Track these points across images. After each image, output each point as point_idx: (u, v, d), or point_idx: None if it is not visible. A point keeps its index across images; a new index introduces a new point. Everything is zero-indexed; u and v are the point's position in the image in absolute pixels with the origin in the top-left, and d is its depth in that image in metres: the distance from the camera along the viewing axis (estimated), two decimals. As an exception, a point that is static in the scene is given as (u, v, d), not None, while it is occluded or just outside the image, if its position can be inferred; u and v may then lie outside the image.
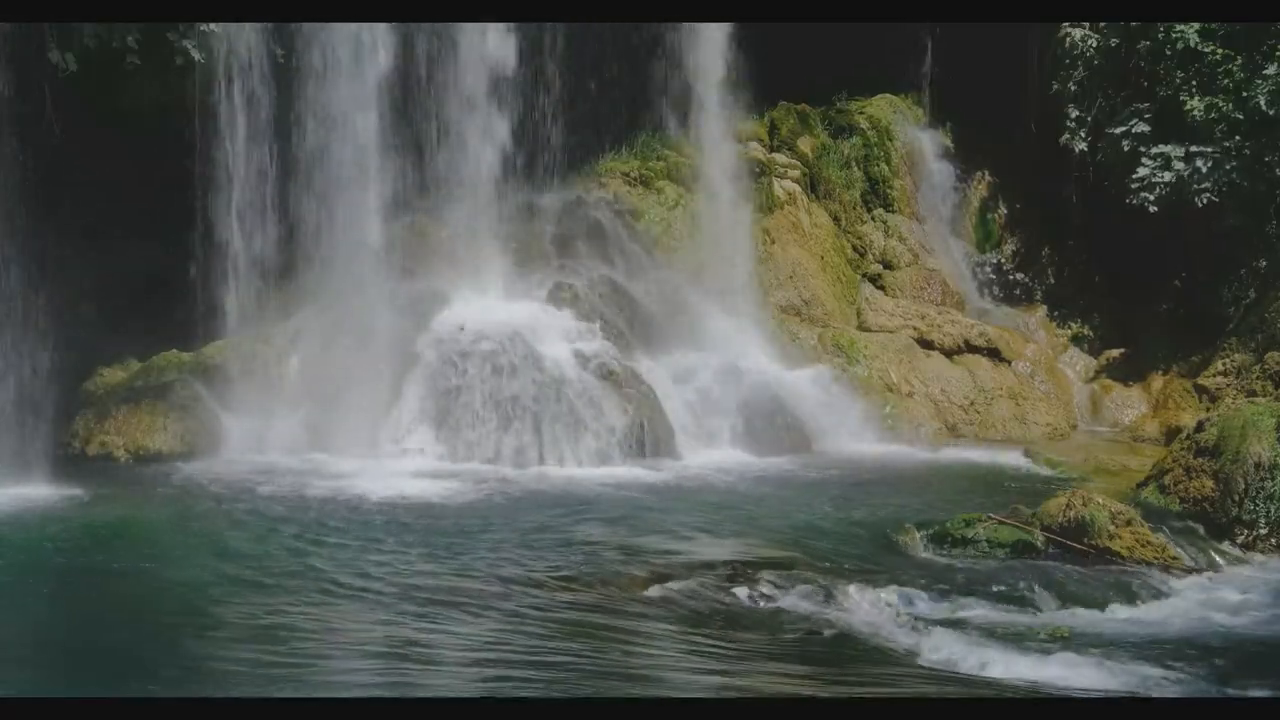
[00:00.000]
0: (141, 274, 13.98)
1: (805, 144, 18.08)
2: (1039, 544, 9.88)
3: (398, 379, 13.62)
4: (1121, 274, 17.64)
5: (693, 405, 14.24)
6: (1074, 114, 17.32)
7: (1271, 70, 15.53)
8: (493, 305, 14.60)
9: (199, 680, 7.04)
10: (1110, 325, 17.72)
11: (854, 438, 14.70)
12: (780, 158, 17.71)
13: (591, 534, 10.38)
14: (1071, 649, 7.75)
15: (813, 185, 17.96)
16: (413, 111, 14.70)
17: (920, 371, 16.16)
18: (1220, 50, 16.02)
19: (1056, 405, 16.48)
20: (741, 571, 9.15)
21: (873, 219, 18.23)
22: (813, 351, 16.06)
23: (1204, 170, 15.73)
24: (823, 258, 17.38)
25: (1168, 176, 15.97)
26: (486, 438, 13.28)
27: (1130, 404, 16.69)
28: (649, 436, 13.55)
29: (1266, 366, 14.79)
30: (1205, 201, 15.82)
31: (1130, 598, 8.98)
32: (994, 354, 16.66)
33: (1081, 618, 8.58)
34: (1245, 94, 15.65)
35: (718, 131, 16.84)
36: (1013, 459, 14.18)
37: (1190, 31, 16.13)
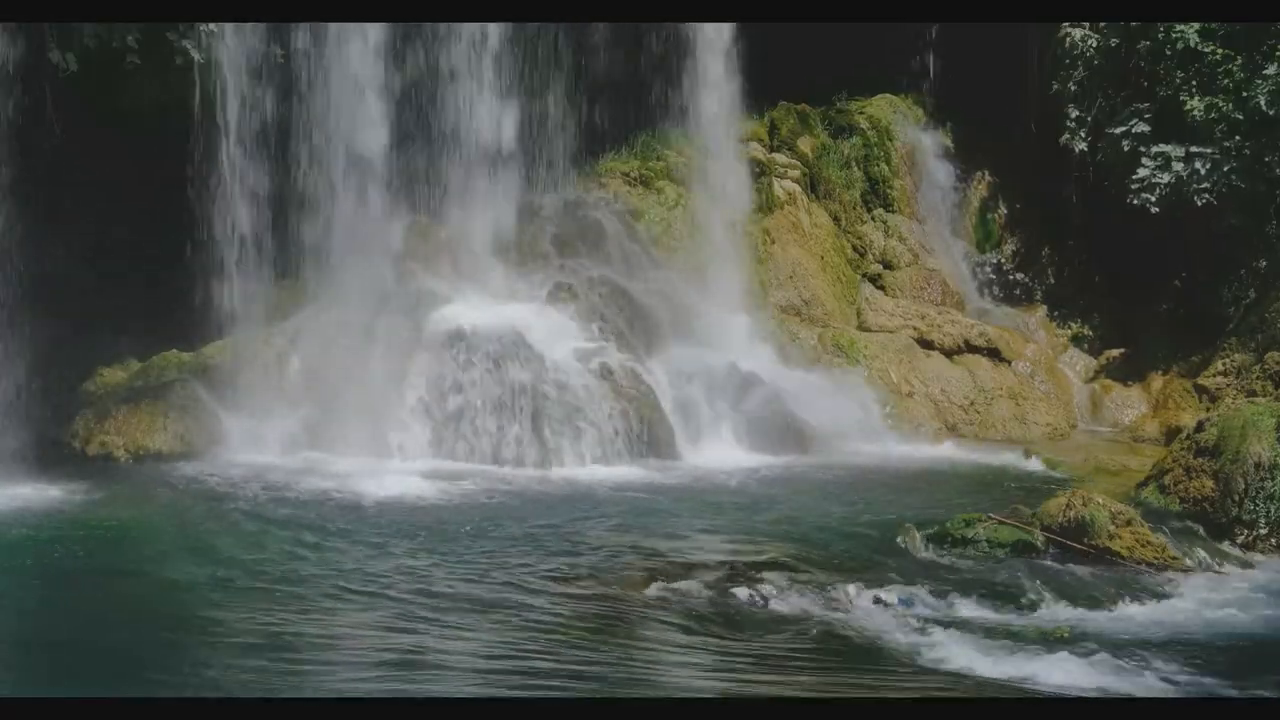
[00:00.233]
0: (141, 274, 13.98)
1: (805, 144, 18.08)
2: (1039, 544, 9.87)
3: (398, 379, 13.61)
4: (1121, 274, 17.63)
5: (693, 405, 14.24)
6: (1074, 114, 17.32)
7: (1271, 70, 15.53)
8: (493, 305, 14.61)
9: (199, 680, 7.04)
10: (1110, 325, 17.71)
11: (854, 438, 14.68)
12: (780, 158, 17.71)
13: (591, 534, 10.38)
14: (1071, 649, 7.75)
15: (813, 185, 17.96)
16: (413, 111, 14.70)
17: (920, 371, 16.16)
18: (1220, 50, 16.01)
19: (1056, 405, 16.48)
20: (741, 571, 9.15)
21: (873, 219, 18.22)
22: (813, 351, 16.06)
23: (1204, 171, 15.73)
24: (823, 258, 17.38)
25: (1167, 177, 15.97)
26: (486, 438, 13.28)
27: (1130, 404, 16.69)
28: (649, 436, 13.55)
29: (1266, 366, 14.79)
30: (1205, 202, 15.82)
31: (1130, 598, 8.97)
32: (994, 354, 16.66)
33: (1081, 618, 8.58)
34: (1245, 94, 15.65)
35: (717, 131, 16.84)
36: (1013, 459, 14.17)
37: (1190, 31, 16.13)
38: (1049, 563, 9.63)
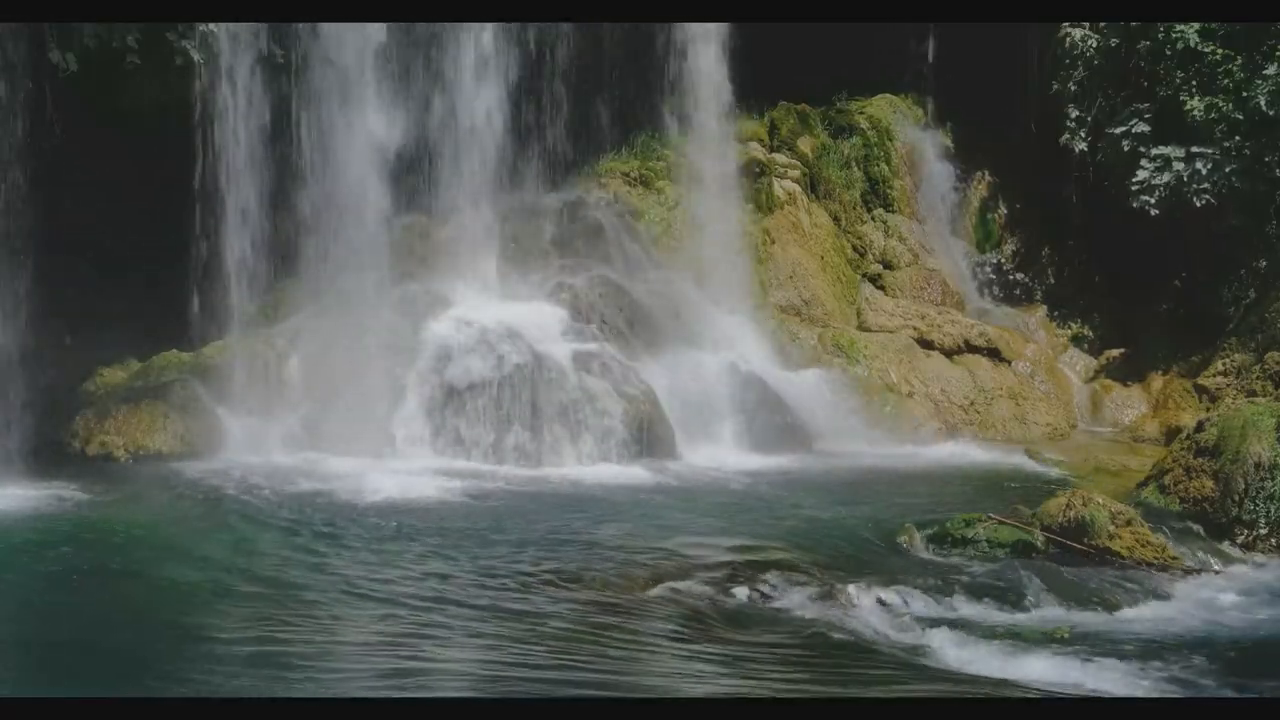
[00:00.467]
0: (141, 274, 13.98)
1: (805, 144, 18.08)
2: (1039, 544, 9.88)
3: (398, 379, 13.62)
4: (1121, 274, 17.64)
5: (693, 405, 14.24)
6: (1074, 114, 17.32)
7: (1271, 70, 15.54)
8: (492, 305, 14.61)
9: (199, 680, 7.03)
10: (1110, 325, 17.72)
11: (854, 438, 14.69)
12: (780, 158, 17.71)
13: (591, 534, 10.38)
14: (1071, 649, 7.75)
15: (813, 185, 17.96)
16: (413, 111, 14.69)
17: (920, 371, 16.16)
18: (1220, 50, 16.02)
19: (1056, 405, 16.48)
20: (741, 571, 9.15)
21: (873, 219, 18.23)
22: (813, 351, 16.06)
23: (1204, 171, 15.74)
24: (823, 258, 17.38)
25: (1167, 178, 15.97)
26: (486, 437, 13.29)
27: (1130, 404, 16.69)
28: (649, 436, 13.55)
29: (1266, 366, 14.80)
30: (1205, 203, 15.82)
31: (1130, 598, 8.97)
32: (994, 354, 16.66)
33: (1081, 618, 8.58)
34: (1245, 94, 15.66)
35: (718, 131, 16.83)
36: (1013, 459, 14.18)
37: (1190, 31, 16.13)
38: (1049, 563, 9.62)
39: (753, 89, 16.86)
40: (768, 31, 16.37)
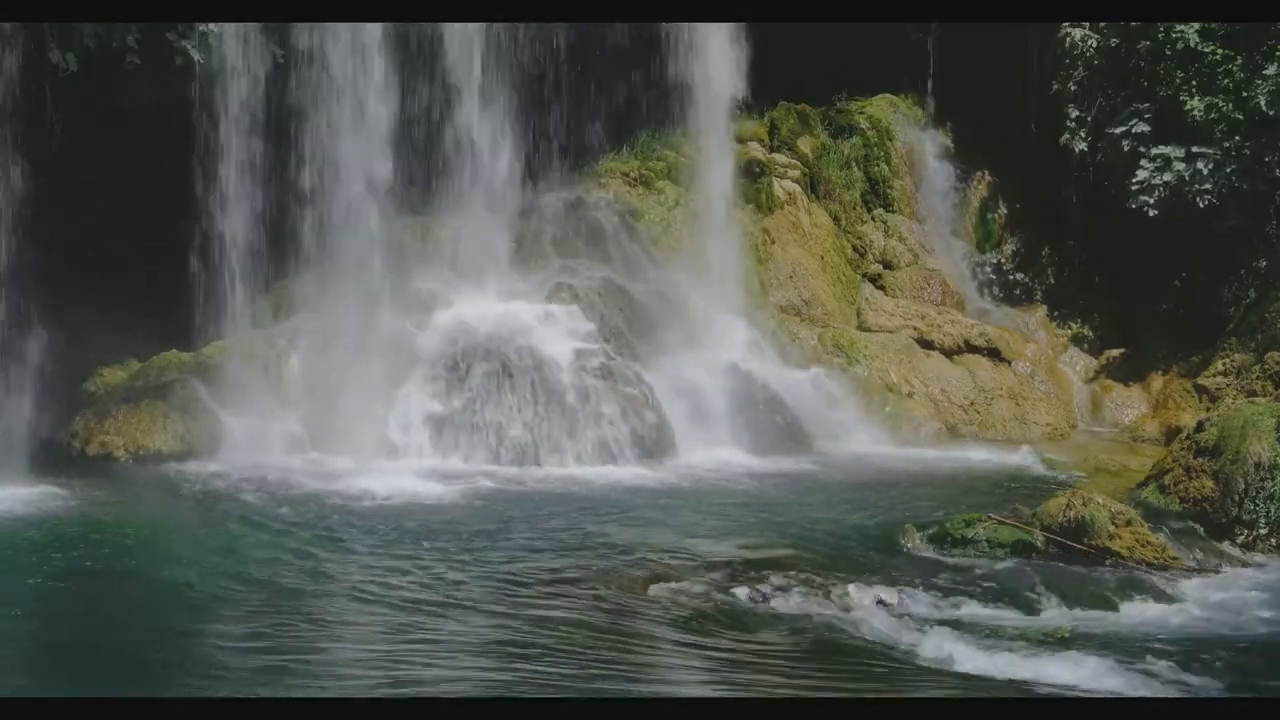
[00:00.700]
0: (141, 274, 13.98)
1: (805, 144, 18.08)
2: (1039, 544, 9.87)
3: (398, 379, 13.62)
4: (1121, 274, 17.64)
5: (692, 405, 14.24)
6: (1074, 114, 17.32)
7: (1271, 70, 15.53)
8: (492, 305, 14.61)
9: (199, 680, 7.03)
10: (1110, 325, 17.72)
11: (854, 438, 14.69)
12: (780, 158, 17.71)
13: (591, 534, 10.38)
14: (1071, 649, 7.75)
15: (813, 185, 17.96)
16: (412, 111, 14.69)
17: (920, 371, 16.16)
18: (1220, 50, 16.02)
19: (1056, 405, 16.48)
20: (741, 571, 9.14)
21: (873, 219, 18.23)
22: (813, 351, 16.06)
23: (1204, 171, 15.73)
24: (823, 258, 17.38)
25: (1167, 178, 15.97)
26: (486, 438, 13.28)
27: (1130, 404, 16.69)
28: (649, 436, 13.55)
29: (1266, 366, 14.80)
30: (1205, 203, 15.82)
31: (1130, 598, 8.97)
32: (994, 354, 16.66)
33: (1081, 618, 8.58)
34: (1245, 94, 15.66)
35: (718, 131, 16.83)
36: (1013, 459, 14.18)
37: (1190, 31, 16.13)
38: (1049, 563, 9.62)
39: (753, 89, 16.85)
40: (768, 31, 16.36)
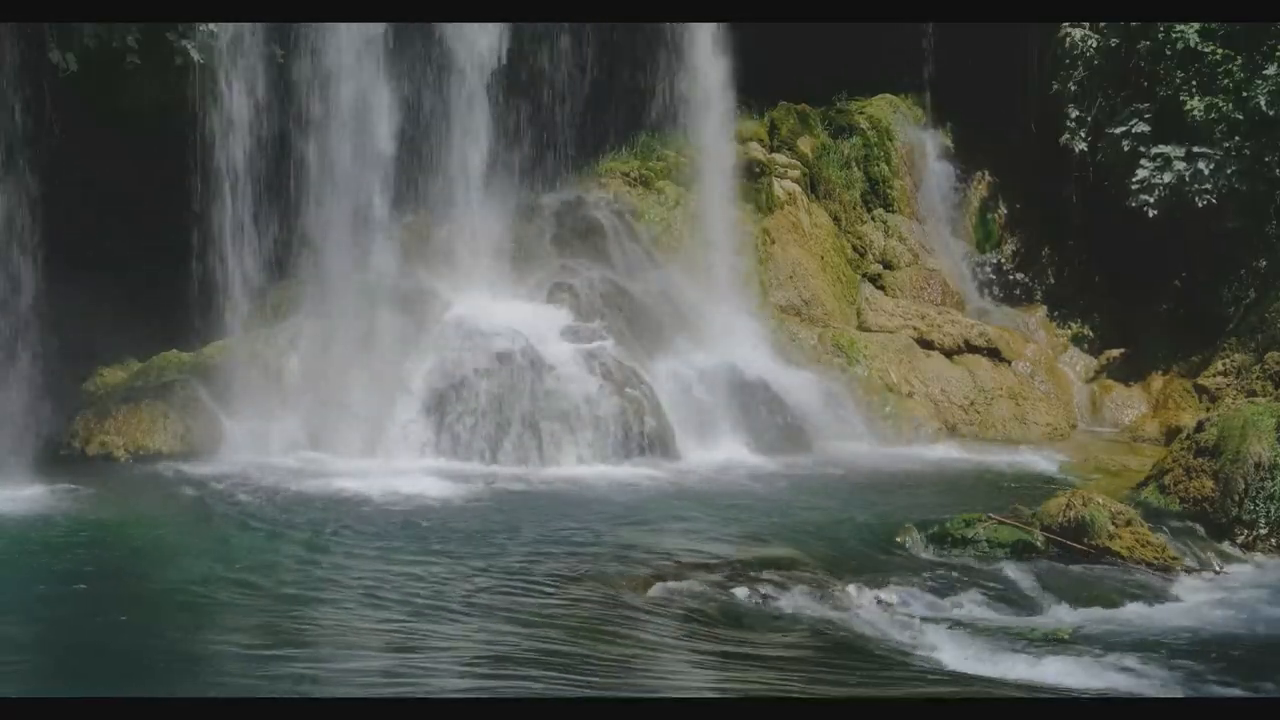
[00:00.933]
0: (142, 274, 13.98)
1: (805, 144, 18.07)
2: (1039, 544, 9.88)
3: (397, 379, 13.61)
4: (1121, 274, 17.63)
5: (693, 405, 14.24)
6: (1074, 114, 17.32)
7: (1271, 70, 15.53)
8: (493, 305, 14.61)
9: (199, 680, 7.04)
10: (1110, 325, 17.71)
11: (854, 438, 14.69)
12: (780, 158, 17.70)
13: (591, 534, 10.38)
14: (1071, 649, 7.76)
15: (813, 185, 17.95)
16: (413, 111, 14.69)
17: (920, 371, 16.16)
18: (1220, 50, 16.01)
19: (1056, 405, 16.48)
20: (741, 571, 9.14)
21: (873, 219, 18.22)
22: (813, 351, 16.05)
23: (1205, 172, 15.73)
24: (823, 258, 17.38)
25: (1167, 178, 15.97)
26: (486, 438, 13.28)
27: (1130, 404, 16.69)
28: (649, 436, 13.55)
29: (1266, 366, 14.80)
30: (1205, 203, 15.82)
31: (1130, 598, 8.98)
32: (994, 354, 16.66)
33: (1081, 618, 8.58)
34: (1245, 94, 15.65)
35: (718, 131, 16.82)
36: (1013, 459, 14.18)
37: (1190, 31, 16.12)
38: (1049, 563, 9.63)
39: (753, 89, 16.85)
40: (768, 31, 16.36)
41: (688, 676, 7.31)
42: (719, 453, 13.81)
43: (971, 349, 16.61)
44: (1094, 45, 17.18)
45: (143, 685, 6.95)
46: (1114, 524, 9.85)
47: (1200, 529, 10.43)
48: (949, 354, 16.56)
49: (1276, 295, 15.60)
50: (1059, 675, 7.27)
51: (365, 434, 13.18)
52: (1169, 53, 16.38)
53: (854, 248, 17.93)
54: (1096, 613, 8.70)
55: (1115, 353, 17.39)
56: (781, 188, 17.42)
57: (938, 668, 7.45)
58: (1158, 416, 16.01)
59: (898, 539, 10.19)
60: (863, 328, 16.91)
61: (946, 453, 14.63)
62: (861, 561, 9.66)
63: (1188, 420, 13.41)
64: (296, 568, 9.25)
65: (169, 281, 13.71)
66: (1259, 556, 10.13)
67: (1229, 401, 13.88)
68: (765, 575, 9.02)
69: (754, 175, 17.25)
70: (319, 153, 13.99)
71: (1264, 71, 15.59)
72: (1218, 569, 9.84)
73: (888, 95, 19.00)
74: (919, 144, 18.88)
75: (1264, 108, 15.46)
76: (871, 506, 11.55)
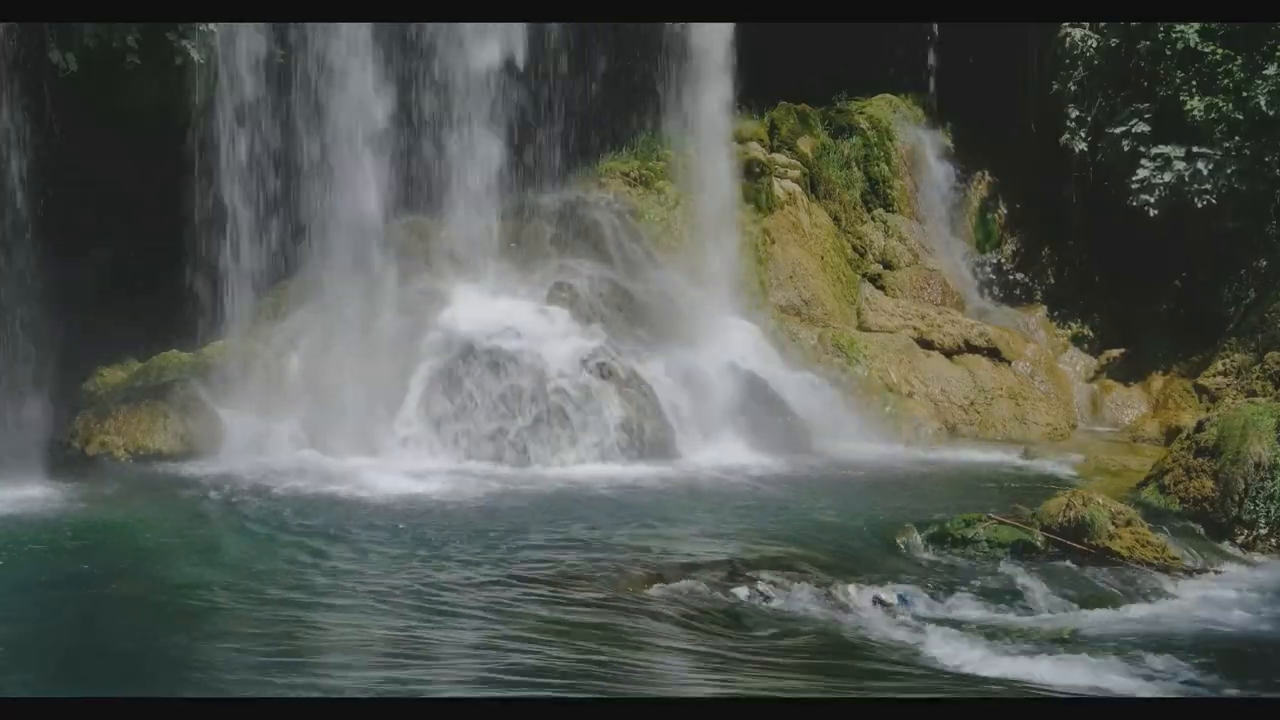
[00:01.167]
0: (141, 274, 13.98)
1: (805, 144, 18.08)
2: (1039, 544, 9.87)
3: (398, 379, 13.62)
4: (1121, 274, 17.64)
5: (692, 405, 14.24)
6: (1074, 114, 17.33)
7: (1271, 70, 15.54)
8: (492, 305, 14.61)
9: (199, 680, 7.04)
10: (1110, 325, 17.72)
11: (854, 438, 14.69)
12: (780, 158, 17.71)
13: (591, 534, 10.38)
14: (1072, 649, 7.75)
15: (813, 185, 17.96)
16: (413, 111, 14.70)
17: (920, 371, 16.16)
18: (1220, 50, 16.02)
19: (1056, 405, 16.48)
20: (741, 571, 9.14)
21: (873, 219, 18.23)
22: (813, 351, 16.06)
23: (1205, 172, 15.73)
24: (823, 258, 17.38)
25: (1168, 178, 15.97)
26: (486, 437, 13.29)
27: (1130, 404, 16.69)
28: (649, 436, 13.56)
29: (1266, 366, 14.80)
30: (1205, 203, 15.82)
31: (1130, 598, 8.97)
32: (994, 354, 16.66)
33: (1082, 618, 8.58)
34: (1245, 94, 15.66)
35: (718, 131, 16.83)
36: (1013, 459, 14.18)
37: (1190, 31, 16.13)
38: (1049, 563, 9.62)
39: (753, 89, 16.86)
40: (768, 31, 16.36)
41: (688, 676, 7.31)
42: (719, 453, 13.80)
43: (971, 349, 16.62)
44: (1094, 45, 17.19)
45: (143, 685, 6.95)
46: (1114, 524, 9.84)
47: (1200, 529, 10.42)
48: (949, 354, 16.56)
49: (1276, 295, 15.60)
50: (1059, 675, 7.26)
51: (365, 434, 13.18)
52: (1169, 53, 16.39)
53: (854, 248, 17.93)
54: (1096, 613, 8.69)
55: (1115, 353, 17.40)
56: (781, 188, 17.42)
57: (938, 668, 7.45)
58: (1158, 416, 16.01)
59: (898, 539, 10.18)
60: (863, 328, 16.91)
61: (946, 453, 14.62)
62: (861, 561, 9.65)
63: (1188, 420, 13.40)
64: (296, 568, 9.25)
65: (169, 281, 13.72)
66: (1259, 556, 10.12)
67: (1229, 401, 13.88)
68: (765, 575, 9.01)
69: (754, 175, 17.26)
70: (319, 152, 14.00)
71: (1264, 71, 15.59)
72: (1218, 569, 9.83)
73: (888, 95, 19.02)
74: (919, 144, 18.89)
75: (1264, 108, 15.47)
76: (871, 506, 11.54)
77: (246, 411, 13.47)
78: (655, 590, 8.76)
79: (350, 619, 8.18)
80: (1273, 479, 10.31)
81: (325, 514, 10.81)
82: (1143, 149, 16.32)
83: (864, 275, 17.74)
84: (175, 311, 13.78)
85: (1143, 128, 16.45)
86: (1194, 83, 16.21)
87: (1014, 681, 7.19)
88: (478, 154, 15.04)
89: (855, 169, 18.27)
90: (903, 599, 8.71)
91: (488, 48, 14.96)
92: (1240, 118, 15.72)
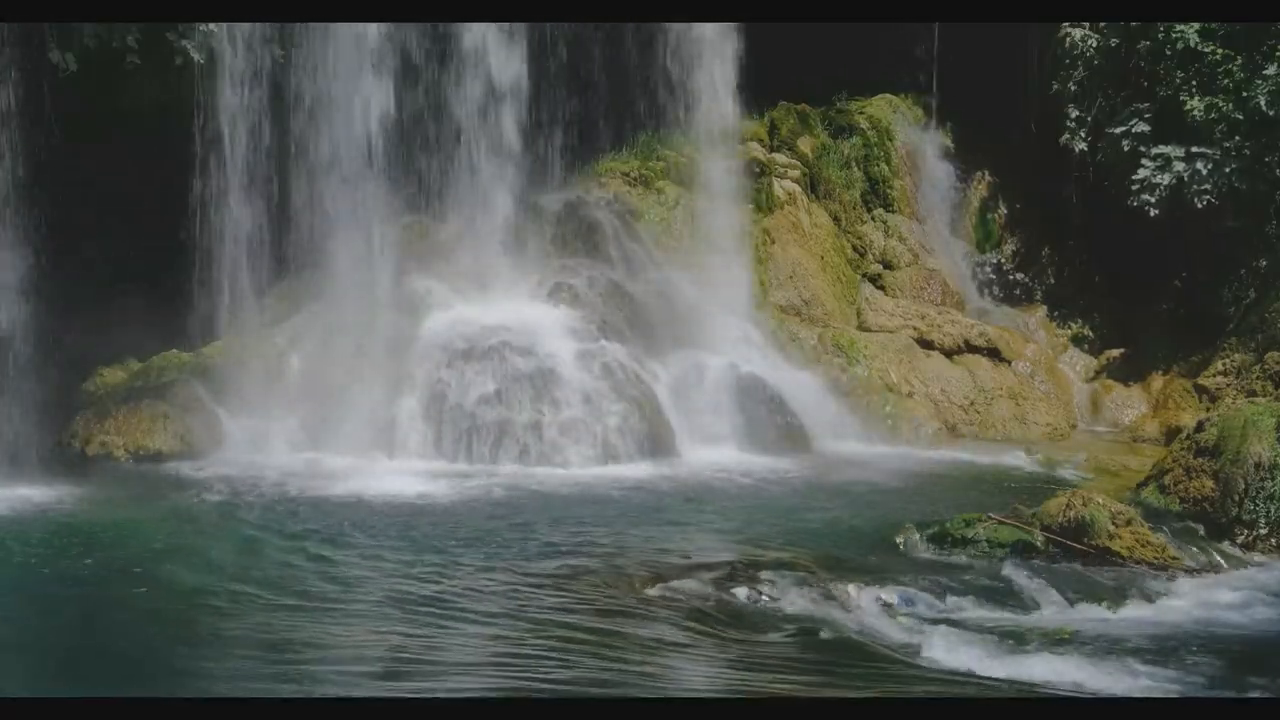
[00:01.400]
0: (141, 274, 13.98)
1: (805, 144, 18.08)
2: (1039, 544, 9.87)
3: (397, 379, 13.62)
4: (1121, 274, 17.63)
5: (693, 405, 14.24)
6: (1074, 114, 17.32)
7: (1271, 70, 15.53)
8: (492, 305, 14.61)
9: (198, 680, 7.04)
10: (1110, 325, 17.71)
11: (854, 438, 14.69)
12: (780, 158, 17.71)
13: (591, 534, 10.38)
14: (1072, 649, 7.75)
15: (813, 185, 17.96)
16: (413, 111, 14.70)
17: (920, 371, 16.16)
18: (1220, 50, 16.01)
19: (1056, 405, 16.48)
20: (741, 571, 9.14)
21: (873, 219, 18.23)
22: (813, 351, 16.06)
23: (1205, 172, 15.73)
24: (823, 258, 17.38)
25: (1168, 178, 15.97)
26: (487, 438, 13.28)
27: (1130, 404, 16.69)
28: (649, 436, 13.55)
29: (1266, 366, 14.80)
30: (1205, 203, 15.82)
31: (1130, 598, 8.97)
32: (994, 354, 16.66)
33: (1082, 618, 8.58)
34: (1245, 94, 15.65)
35: (718, 131, 16.83)
36: (1013, 459, 14.18)
37: (1190, 31, 16.13)
38: (1049, 563, 9.62)
39: (753, 89, 16.85)
40: (768, 31, 16.36)
41: (688, 676, 7.31)
42: (719, 452, 13.81)
43: (971, 349, 16.62)
44: (1094, 45, 17.18)
45: (143, 685, 6.95)
46: (1114, 524, 9.84)
47: (1200, 529, 10.42)
48: (949, 354, 16.56)
49: (1276, 295, 15.60)
50: (1059, 675, 7.26)
51: (365, 434, 13.18)
52: (1169, 53, 16.38)
53: (854, 248, 17.93)
54: (1096, 613, 8.69)
55: (1115, 353, 17.40)
56: (781, 188, 17.42)
57: (938, 668, 7.45)
58: (1158, 416, 16.01)
59: (898, 539, 10.18)
60: (863, 328, 16.91)
61: (946, 453, 14.62)
62: (861, 561, 9.66)
63: (1188, 420, 13.40)
64: (296, 567, 9.25)
65: (169, 281, 13.72)
66: (1259, 556, 10.12)
67: (1229, 401, 13.88)
68: (765, 575, 9.01)
69: (754, 175, 17.26)
70: (319, 153, 14.00)
71: (1264, 71, 15.59)
72: (1218, 569, 9.83)
73: (888, 95, 19.02)
74: (919, 144, 18.89)
75: (1264, 108, 15.46)
76: (871, 506, 11.55)
77: (246, 411, 13.48)
78: (656, 590, 8.76)
79: (350, 618, 8.17)
80: (1273, 479, 10.31)
81: (325, 514, 10.81)
82: (1143, 149, 16.31)
83: (864, 275, 17.74)
84: (175, 311, 13.78)
85: (1143, 128, 16.45)
86: (1194, 83, 16.21)
87: (1014, 681, 7.19)
88: (478, 154, 15.04)
89: (855, 169, 18.27)
90: (903, 599, 8.71)
91: (489, 47, 14.96)
92: (1240, 118, 15.71)
